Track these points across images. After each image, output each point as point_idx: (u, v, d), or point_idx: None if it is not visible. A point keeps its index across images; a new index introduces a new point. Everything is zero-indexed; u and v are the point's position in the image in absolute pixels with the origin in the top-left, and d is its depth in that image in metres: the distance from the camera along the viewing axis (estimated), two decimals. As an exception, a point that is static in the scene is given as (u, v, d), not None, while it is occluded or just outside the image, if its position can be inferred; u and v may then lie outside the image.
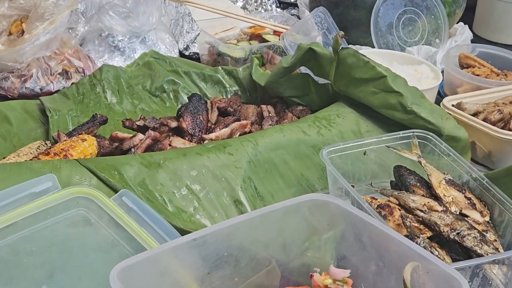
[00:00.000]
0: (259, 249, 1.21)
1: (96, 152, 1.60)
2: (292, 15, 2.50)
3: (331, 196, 1.25)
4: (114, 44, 2.16)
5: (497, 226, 1.44)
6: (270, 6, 2.63)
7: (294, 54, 1.82)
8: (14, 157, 1.56)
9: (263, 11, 2.60)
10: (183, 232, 1.33)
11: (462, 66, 2.21)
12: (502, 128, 1.76)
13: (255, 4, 2.63)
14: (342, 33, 1.79)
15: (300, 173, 1.60)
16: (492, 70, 2.16)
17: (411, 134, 1.60)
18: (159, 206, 1.42)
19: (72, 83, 1.99)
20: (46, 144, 1.65)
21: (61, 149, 1.54)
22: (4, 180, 1.35)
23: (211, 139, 1.64)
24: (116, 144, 1.63)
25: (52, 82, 2.01)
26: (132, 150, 1.59)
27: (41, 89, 2.01)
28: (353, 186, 1.50)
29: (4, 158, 1.57)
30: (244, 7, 2.62)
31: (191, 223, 1.42)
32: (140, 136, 1.61)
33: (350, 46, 2.16)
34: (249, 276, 1.20)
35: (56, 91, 1.98)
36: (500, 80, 2.09)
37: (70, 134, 1.67)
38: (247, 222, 1.16)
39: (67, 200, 1.30)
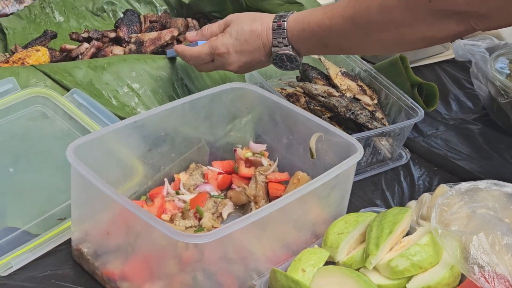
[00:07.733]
0: (190, 130, 1.18)
1: (49, 61, 1.52)
2: None
3: (248, 84, 1.22)
4: (59, -27, 2.05)
5: (384, 107, 1.44)
6: None
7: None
8: (-23, 65, 1.48)
9: None
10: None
11: None
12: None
13: None
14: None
15: (223, 73, 1.56)
16: None
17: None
18: (105, 101, 1.36)
19: (25, 6, 1.88)
20: (5, 55, 1.56)
21: (19, 58, 1.46)
22: (-31, 84, 1.28)
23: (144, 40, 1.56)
24: (65, 54, 1.55)
25: (7, 6, 1.90)
26: (80, 57, 1.52)
27: (-2, 12, 1.90)
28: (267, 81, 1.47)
29: (-32, 67, 1.48)
30: None
31: (133, 115, 1.37)
32: (86, 45, 1.53)
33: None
34: (184, 152, 1.18)
35: (11, 13, 1.88)
36: None
37: (25, 47, 1.57)
38: (179, 108, 1.12)
39: (26, 99, 1.25)
